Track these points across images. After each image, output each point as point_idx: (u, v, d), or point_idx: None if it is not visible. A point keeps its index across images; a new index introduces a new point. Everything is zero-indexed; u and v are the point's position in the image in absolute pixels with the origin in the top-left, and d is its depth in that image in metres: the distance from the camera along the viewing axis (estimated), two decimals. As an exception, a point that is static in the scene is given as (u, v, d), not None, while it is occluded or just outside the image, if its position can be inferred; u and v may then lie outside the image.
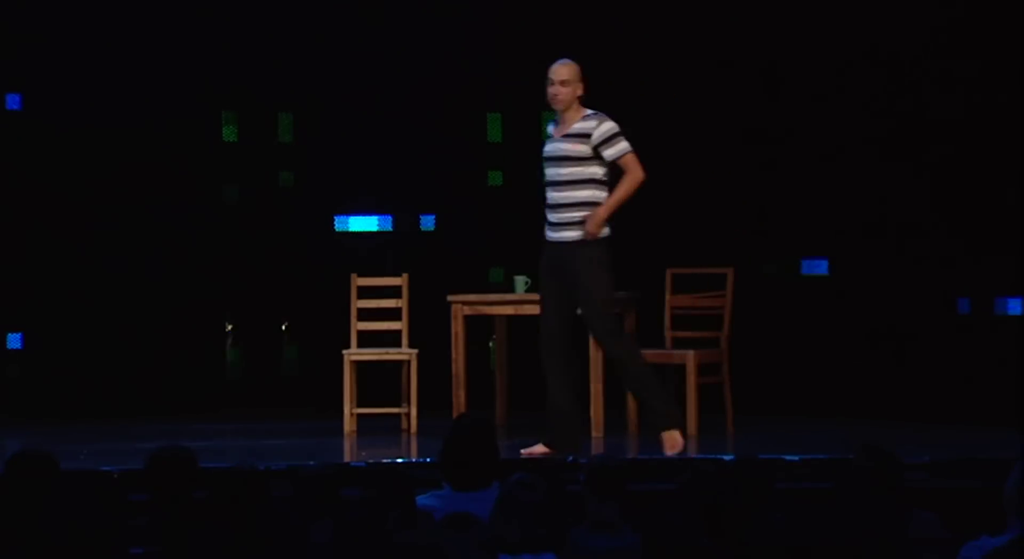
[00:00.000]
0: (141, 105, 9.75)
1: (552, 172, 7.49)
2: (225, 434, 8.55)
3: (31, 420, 9.09)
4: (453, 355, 8.43)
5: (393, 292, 8.97)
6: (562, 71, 7.45)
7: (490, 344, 9.28)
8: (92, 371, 9.63)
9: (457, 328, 8.45)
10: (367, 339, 8.92)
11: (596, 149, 7.42)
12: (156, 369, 9.73)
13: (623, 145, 7.42)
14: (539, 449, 7.51)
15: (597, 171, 7.44)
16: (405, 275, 8.99)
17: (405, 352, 8.81)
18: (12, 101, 9.69)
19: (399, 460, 7.38)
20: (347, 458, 7.73)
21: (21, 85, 9.67)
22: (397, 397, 8.85)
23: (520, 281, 8.61)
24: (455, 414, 7.97)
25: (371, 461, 7.26)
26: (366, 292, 8.97)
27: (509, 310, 8.56)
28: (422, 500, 5.26)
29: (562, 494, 5.69)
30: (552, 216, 7.51)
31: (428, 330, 8.96)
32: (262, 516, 4.40)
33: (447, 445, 5.57)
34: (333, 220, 9.99)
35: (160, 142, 9.78)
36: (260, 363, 10.03)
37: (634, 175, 7.39)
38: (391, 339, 8.95)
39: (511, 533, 4.62)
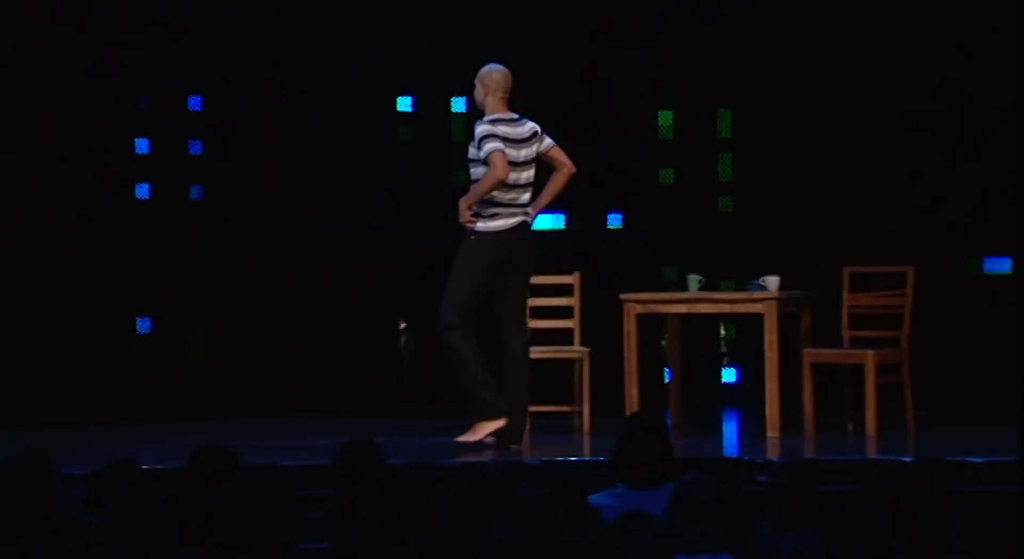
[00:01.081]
0: (318, 104, 9.87)
1: None
2: (399, 431, 8.60)
3: (213, 416, 9.24)
4: (625, 353, 8.38)
5: (564, 290, 8.95)
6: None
7: (663, 342, 9.21)
8: (270, 367, 9.76)
9: (629, 326, 8.40)
10: (538, 337, 8.90)
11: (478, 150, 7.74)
12: (332, 365, 9.83)
13: (489, 146, 7.63)
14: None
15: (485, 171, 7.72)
16: (576, 273, 8.96)
17: (577, 350, 8.78)
18: (194, 102, 9.87)
19: (572, 458, 7.35)
20: (521, 456, 7.71)
21: (202, 86, 9.86)
22: (569, 395, 8.83)
23: (694, 279, 8.53)
24: (627, 412, 7.92)
25: (544, 459, 7.25)
26: (537, 290, 8.96)
27: (682, 308, 8.49)
28: (596, 498, 5.23)
29: (738, 494, 5.62)
30: None
31: (600, 328, 8.92)
32: (441, 512, 4.40)
33: (621, 443, 5.53)
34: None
35: (337, 142, 9.89)
36: (433, 360, 10.07)
37: (490, 172, 7.62)
38: (563, 337, 8.93)
39: (688, 533, 4.56)
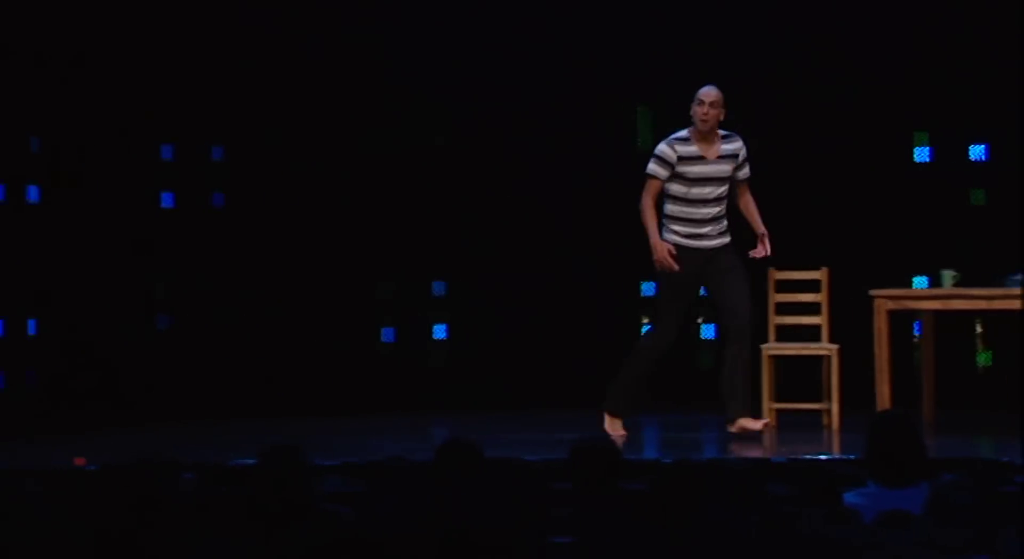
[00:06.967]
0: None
1: (708, 191, 8.00)
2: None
3: (453, 410, 9.34)
4: (876, 350, 8.18)
5: (812, 286, 8.79)
6: (714, 94, 7.94)
7: (915, 339, 8.99)
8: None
9: (880, 323, 8.20)
10: (786, 333, 8.75)
11: (737, 169, 8.05)
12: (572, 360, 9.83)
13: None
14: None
15: None
16: (824, 269, 8.79)
17: (825, 347, 8.60)
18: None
19: (822, 456, 7.20)
20: (767, 453, 7.60)
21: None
22: (816, 393, 8.66)
23: (947, 275, 8.29)
24: (878, 410, 7.74)
25: (792, 457, 7.11)
26: (784, 286, 8.81)
27: (936, 305, 8.26)
28: (848, 497, 5.10)
29: (995, 495, 5.41)
30: (708, 228, 8.02)
31: (849, 325, 8.73)
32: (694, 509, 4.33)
33: (871, 441, 5.37)
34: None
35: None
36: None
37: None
38: (810, 334, 8.76)
39: (946, 536, 4.41)
